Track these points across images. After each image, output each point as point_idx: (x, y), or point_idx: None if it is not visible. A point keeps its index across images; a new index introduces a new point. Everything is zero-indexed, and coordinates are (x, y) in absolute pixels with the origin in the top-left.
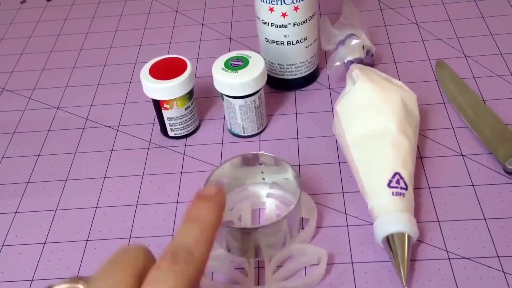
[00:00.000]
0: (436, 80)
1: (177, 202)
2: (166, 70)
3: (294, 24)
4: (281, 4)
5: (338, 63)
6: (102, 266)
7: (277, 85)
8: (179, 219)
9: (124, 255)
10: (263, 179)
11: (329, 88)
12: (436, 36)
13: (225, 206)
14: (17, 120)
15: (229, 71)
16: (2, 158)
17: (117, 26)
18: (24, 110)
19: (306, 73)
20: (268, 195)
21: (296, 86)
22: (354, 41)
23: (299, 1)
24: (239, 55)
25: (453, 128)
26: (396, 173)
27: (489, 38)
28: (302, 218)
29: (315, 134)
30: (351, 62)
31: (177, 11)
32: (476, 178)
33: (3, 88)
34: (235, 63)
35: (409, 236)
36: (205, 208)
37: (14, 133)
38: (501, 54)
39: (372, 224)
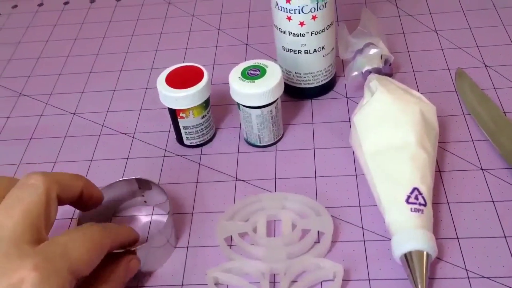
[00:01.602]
0: (456, 91)
1: (192, 213)
2: (182, 78)
3: (311, 33)
4: (299, 13)
5: (356, 73)
6: None
7: (294, 94)
8: (193, 231)
9: None
10: None
11: (346, 97)
12: (455, 44)
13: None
14: (34, 125)
15: (246, 80)
16: (19, 164)
17: (133, 30)
18: (41, 115)
19: (323, 82)
20: (284, 207)
21: (313, 95)
22: (372, 51)
23: (317, 10)
24: (256, 64)
25: (472, 141)
26: (414, 189)
27: (510, 47)
28: (318, 231)
29: (331, 145)
30: (369, 72)
31: (193, 15)
32: (496, 194)
33: (20, 93)
34: (252, 72)
35: (427, 254)
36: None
37: (30, 139)
38: None
39: (389, 239)
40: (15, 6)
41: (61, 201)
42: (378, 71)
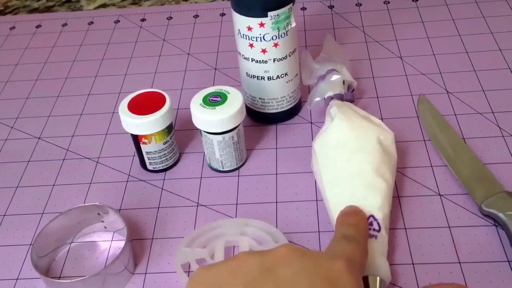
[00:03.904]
0: (418, 116)
1: (152, 239)
2: (145, 104)
3: (274, 60)
4: (261, 40)
5: (318, 99)
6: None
7: (259, 119)
8: (152, 257)
9: None
10: None
11: (311, 122)
12: (419, 71)
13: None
14: None
15: (207, 107)
16: None
17: (104, 54)
18: (6, 139)
19: (287, 107)
20: (243, 233)
21: (277, 120)
22: (335, 77)
23: (279, 38)
24: (218, 90)
25: (432, 166)
26: (370, 216)
27: (471, 74)
28: None
29: (294, 170)
30: (331, 98)
31: (164, 39)
32: (453, 220)
33: None
34: (213, 99)
35: (381, 280)
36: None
37: None
38: (483, 90)
39: None
40: None
41: None
42: (340, 97)
